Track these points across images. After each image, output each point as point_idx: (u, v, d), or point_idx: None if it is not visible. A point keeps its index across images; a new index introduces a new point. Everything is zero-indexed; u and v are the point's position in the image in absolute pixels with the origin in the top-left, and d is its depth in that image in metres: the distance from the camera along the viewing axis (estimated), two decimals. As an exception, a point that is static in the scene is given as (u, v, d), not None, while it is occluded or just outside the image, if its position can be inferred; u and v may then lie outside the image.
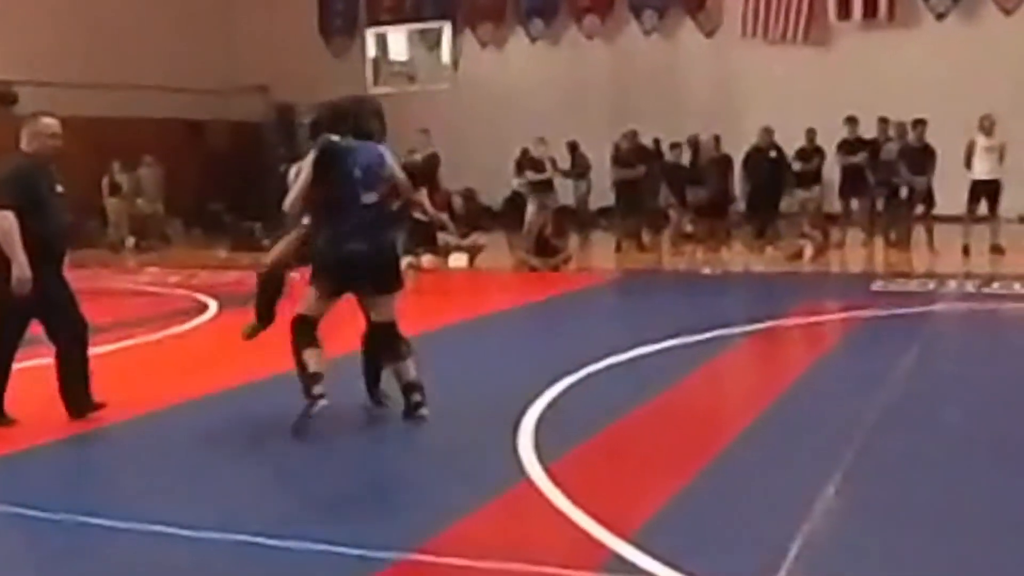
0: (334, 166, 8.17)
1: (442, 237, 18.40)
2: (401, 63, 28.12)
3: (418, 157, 20.73)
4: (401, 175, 8.55)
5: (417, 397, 8.31)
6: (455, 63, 27.83)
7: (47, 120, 8.46)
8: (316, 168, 8.22)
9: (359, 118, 8.69)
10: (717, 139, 22.69)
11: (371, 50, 28.08)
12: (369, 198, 8.24)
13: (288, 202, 8.47)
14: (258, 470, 7.38)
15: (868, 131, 21.68)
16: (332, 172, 8.17)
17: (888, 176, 21.07)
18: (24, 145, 8.40)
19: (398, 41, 28.17)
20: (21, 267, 7.99)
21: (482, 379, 9.28)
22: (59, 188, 8.52)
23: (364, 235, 8.23)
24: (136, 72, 26.08)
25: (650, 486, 6.86)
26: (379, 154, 8.42)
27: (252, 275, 9.91)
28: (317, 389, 8.16)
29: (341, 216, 8.24)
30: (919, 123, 20.61)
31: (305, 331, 8.53)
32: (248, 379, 10.17)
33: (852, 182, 21.76)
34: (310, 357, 8.33)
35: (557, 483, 6.76)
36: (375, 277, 8.44)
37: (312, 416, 8.01)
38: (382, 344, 8.53)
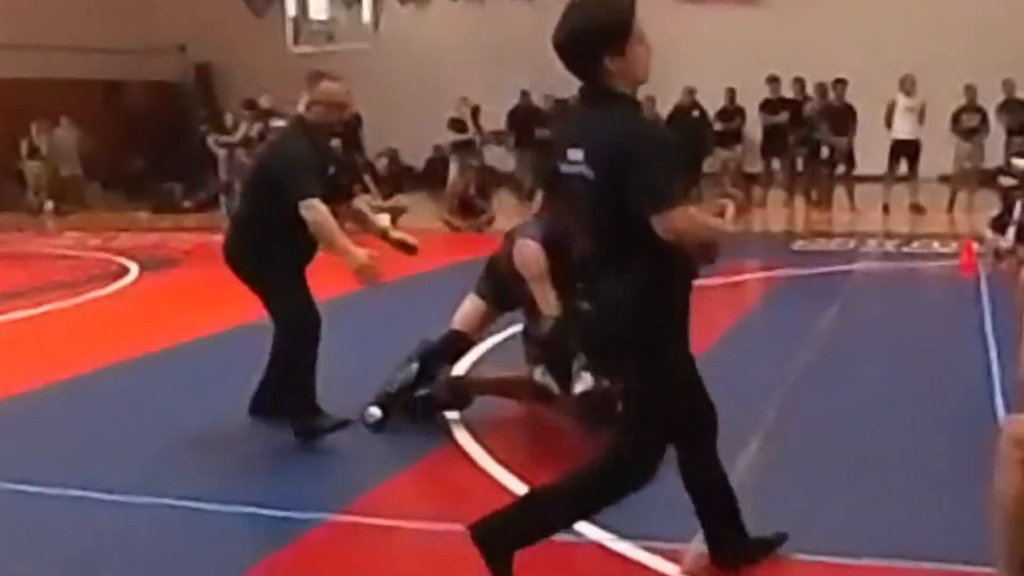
0: None
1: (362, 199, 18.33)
2: (321, 22, 27.89)
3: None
4: None
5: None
6: (376, 22, 27.63)
7: None
8: None
9: None
10: (652, 100, 22.69)
11: (291, 9, 27.82)
12: None
13: None
14: (182, 434, 7.32)
15: (791, 91, 21.81)
16: None
17: (809, 136, 21.22)
18: None
19: (318, 0, 27.96)
20: None
21: (404, 341, 9.22)
22: None
23: None
24: (52, 32, 25.68)
25: (576, 445, 6.88)
26: None
27: (173, 237, 9.67)
28: None
29: None
30: (840, 83, 20.78)
31: None
32: (171, 343, 10.09)
33: (774, 142, 21.90)
34: None
35: (482, 443, 6.78)
36: None
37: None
38: None
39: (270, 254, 7.00)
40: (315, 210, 6.74)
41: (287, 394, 7.06)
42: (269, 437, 7.13)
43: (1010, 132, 19.54)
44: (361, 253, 6.76)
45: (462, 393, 7.41)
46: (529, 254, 6.92)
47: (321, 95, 7.06)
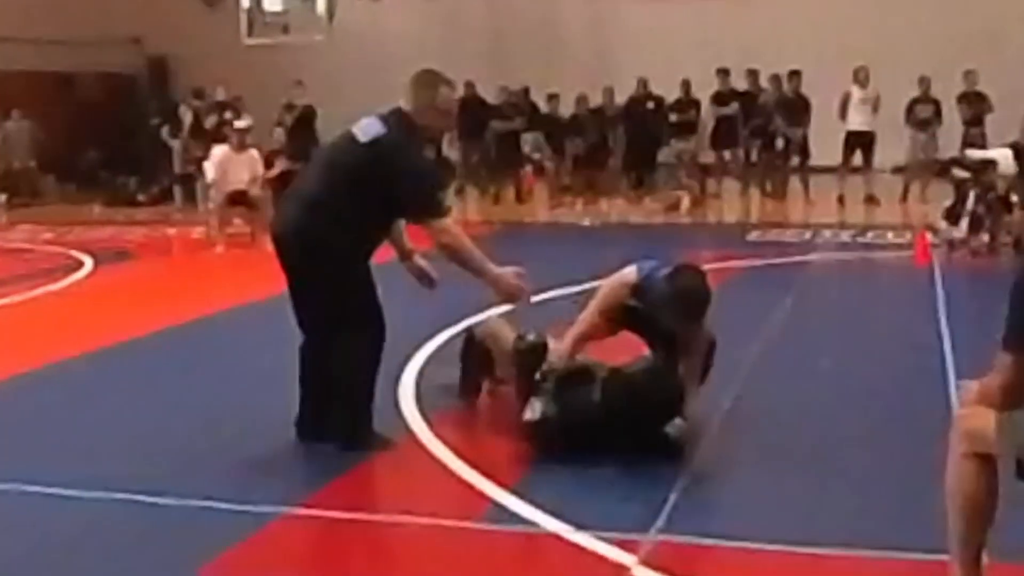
0: None
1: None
2: (275, 14, 27.66)
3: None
4: None
5: None
6: (330, 14, 27.50)
7: None
8: None
9: None
10: (610, 91, 22.73)
11: (245, 1, 27.69)
12: None
13: None
14: (138, 429, 7.28)
15: (745, 82, 21.92)
16: None
17: (763, 127, 21.31)
18: None
19: (273, -9, 27.82)
20: None
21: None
22: None
23: None
24: (4, 24, 25.39)
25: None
26: None
27: (127, 230, 9.59)
28: None
29: None
30: (794, 74, 20.88)
31: None
32: (126, 336, 10.02)
33: (725, 133, 22.00)
34: None
35: (439, 436, 6.78)
36: None
37: None
38: None
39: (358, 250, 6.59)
40: (452, 233, 6.48)
41: (352, 405, 6.68)
42: (225, 431, 7.10)
43: (967, 123, 19.65)
44: (508, 276, 6.58)
45: None
46: None
47: (442, 102, 6.73)
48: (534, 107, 23.02)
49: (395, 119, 6.57)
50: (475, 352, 7.59)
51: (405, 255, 7.09)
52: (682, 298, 6.56)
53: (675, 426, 6.40)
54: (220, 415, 7.49)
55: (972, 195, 14.03)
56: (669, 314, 6.59)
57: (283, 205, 6.96)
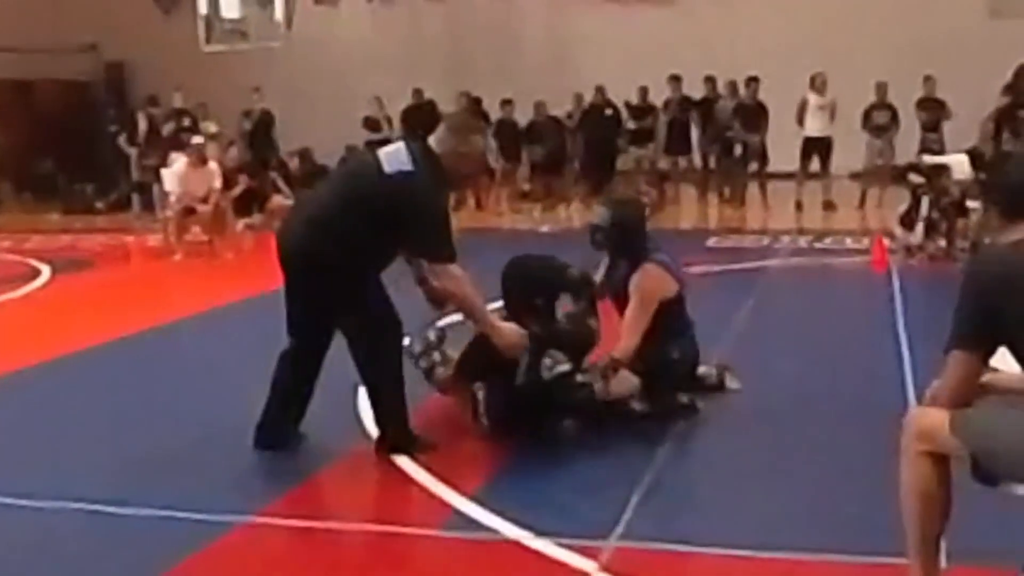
0: None
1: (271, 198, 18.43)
2: (233, 20, 27.61)
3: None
4: None
5: None
6: (289, 20, 27.45)
7: None
8: None
9: None
10: (579, 98, 22.74)
11: (203, 7, 27.56)
12: None
13: None
14: (97, 437, 7.24)
15: (700, 89, 22.00)
16: None
17: (721, 133, 21.40)
18: None
19: (230, -2, 27.75)
20: None
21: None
22: None
23: None
24: (-41, 31, 25.32)
25: (492, 445, 6.88)
26: None
27: (85, 238, 9.53)
28: None
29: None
30: (752, 80, 20.96)
31: None
32: (84, 345, 9.96)
33: (679, 140, 22.09)
34: None
35: (399, 443, 6.76)
36: None
37: None
38: None
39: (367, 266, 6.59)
40: (457, 279, 6.46)
41: (392, 411, 6.72)
42: (183, 439, 7.07)
43: (925, 128, 19.80)
44: (509, 331, 6.65)
45: None
46: None
47: (474, 151, 6.83)
48: (485, 116, 23.01)
49: (424, 156, 6.49)
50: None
51: (421, 280, 6.97)
52: None
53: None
54: (179, 423, 7.46)
55: (926, 200, 14.14)
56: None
57: (292, 223, 6.86)
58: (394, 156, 6.46)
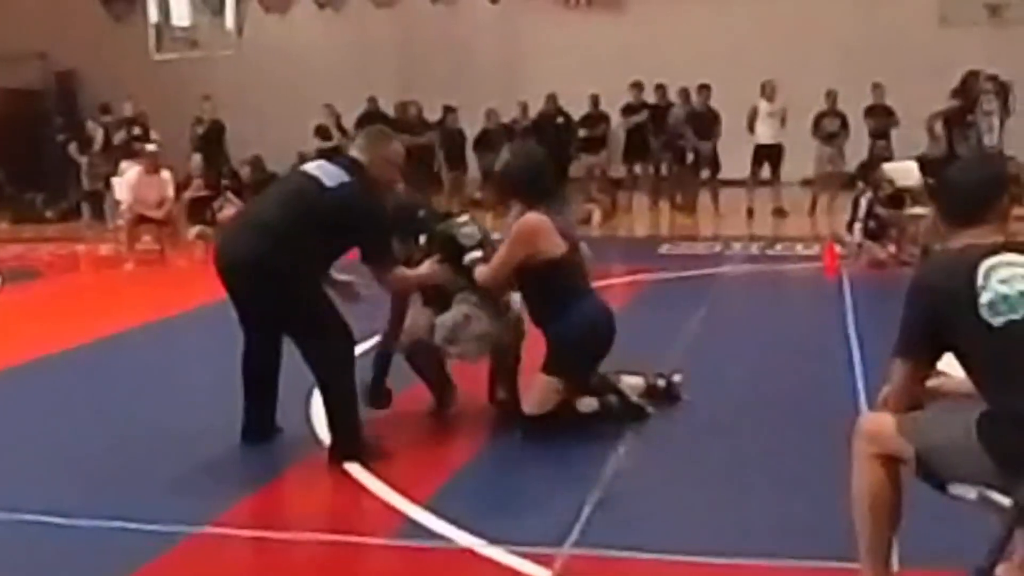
0: None
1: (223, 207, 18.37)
2: (184, 28, 27.55)
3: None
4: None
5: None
6: (239, 29, 27.38)
7: None
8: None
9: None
10: (524, 106, 22.77)
11: (153, 15, 27.44)
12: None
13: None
14: (48, 448, 7.18)
15: (651, 96, 22.08)
16: None
17: (673, 141, 21.47)
18: None
19: (181, 6, 27.56)
20: None
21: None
22: None
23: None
24: (-93, 39, 25.09)
25: (444, 452, 6.89)
26: None
27: (35, 247, 9.46)
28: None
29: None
30: (704, 88, 21.04)
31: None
32: (34, 355, 9.88)
33: (635, 147, 22.14)
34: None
35: (351, 451, 6.74)
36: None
37: None
38: None
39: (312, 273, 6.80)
40: (403, 278, 7.02)
41: (338, 418, 6.78)
42: (136, 450, 7.03)
43: (874, 136, 19.93)
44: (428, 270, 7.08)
45: None
46: None
47: (393, 155, 7.01)
48: (426, 123, 22.96)
49: (357, 169, 6.78)
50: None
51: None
52: None
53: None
54: (130, 433, 7.41)
55: (863, 201, 14.26)
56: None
57: (236, 236, 6.93)
58: (331, 171, 6.74)
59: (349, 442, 6.67)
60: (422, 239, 7.28)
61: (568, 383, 7.01)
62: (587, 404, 7.11)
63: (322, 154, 7.22)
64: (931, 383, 4.29)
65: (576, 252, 7.21)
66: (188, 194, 17.77)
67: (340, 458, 6.62)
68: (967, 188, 4.37)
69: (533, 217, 7.06)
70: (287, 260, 6.52)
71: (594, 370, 7.23)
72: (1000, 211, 4.28)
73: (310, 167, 6.91)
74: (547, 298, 7.09)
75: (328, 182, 6.65)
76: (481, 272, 7.06)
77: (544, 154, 7.65)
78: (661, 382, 7.78)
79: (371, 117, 21.83)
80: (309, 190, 6.69)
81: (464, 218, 7.53)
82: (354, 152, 6.94)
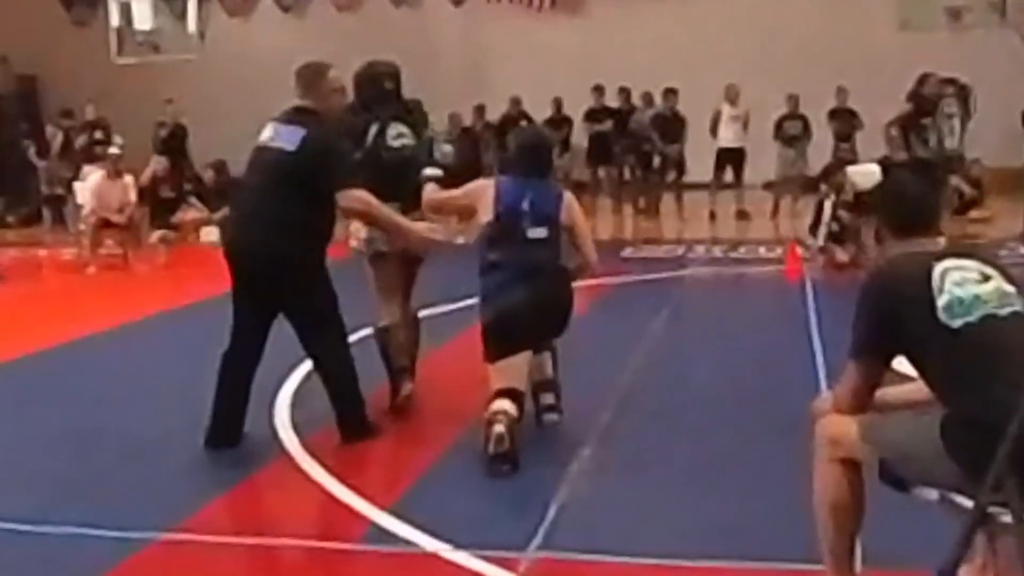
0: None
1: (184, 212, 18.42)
2: (146, 32, 27.58)
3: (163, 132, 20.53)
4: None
5: (548, 399, 7.31)
6: (202, 32, 27.34)
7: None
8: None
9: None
10: (481, 109, 22.78)
11: (115, 19, 27.45)
12: (538, 233, 7.08)
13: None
14: (11, 455, 7.14)
15: (615, 100, 22.14)
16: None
17: (638, 145, 21.53)
18: None
19: (143, 10, 27.64)
20: None
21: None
22: None
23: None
24: None
25: (408, 457, 6.90)
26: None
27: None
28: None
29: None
30: (670, 92, 21.10)
31: None
32: (-6, 361, 9.83)
33: (599, 150, 22.18)
34: None
35: (315, 457, 6.74)
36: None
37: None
38: None
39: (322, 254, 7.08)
40: (361, 198, 6.95)
41: (349, 395, 7.09)
42: (100, 456, 7.01)
43: (838, 139, 20.04)
44: (419, 228, 7.41)
45: None
46: None
47: (334, 82, 7.25)
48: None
49: (306, 116, 7.01)
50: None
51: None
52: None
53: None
54: (95, 438, 7.38)
55: (827, 205, 14.34)
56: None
57: (247, 229, 7.07)
58: (286, 134, 6.92)
59: (356, 420, 7.05)
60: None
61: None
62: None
63: (273, 117, 7.13)
64: (877, 392, 4.33)
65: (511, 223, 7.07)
66: (148, 172, 17.77)
67: (348, 438, 6.98)
68: (916, 198, 4.48)
69: (482, 181, 7.55)
70: (301, 246, 6.85)
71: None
72: (940, 217, 4.38)
73: (265, 138, 7.04)
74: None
75: (289, 146, 6.84)
76: (428, 193, 7.48)
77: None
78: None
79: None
80: (279, 161, 6.86)
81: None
82: (298, 101, 7.12)
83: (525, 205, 7.04)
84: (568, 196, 7.33)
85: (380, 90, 7.90)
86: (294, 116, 7.04)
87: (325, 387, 7.15)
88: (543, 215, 7.04)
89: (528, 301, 6.85)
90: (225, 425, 7.05)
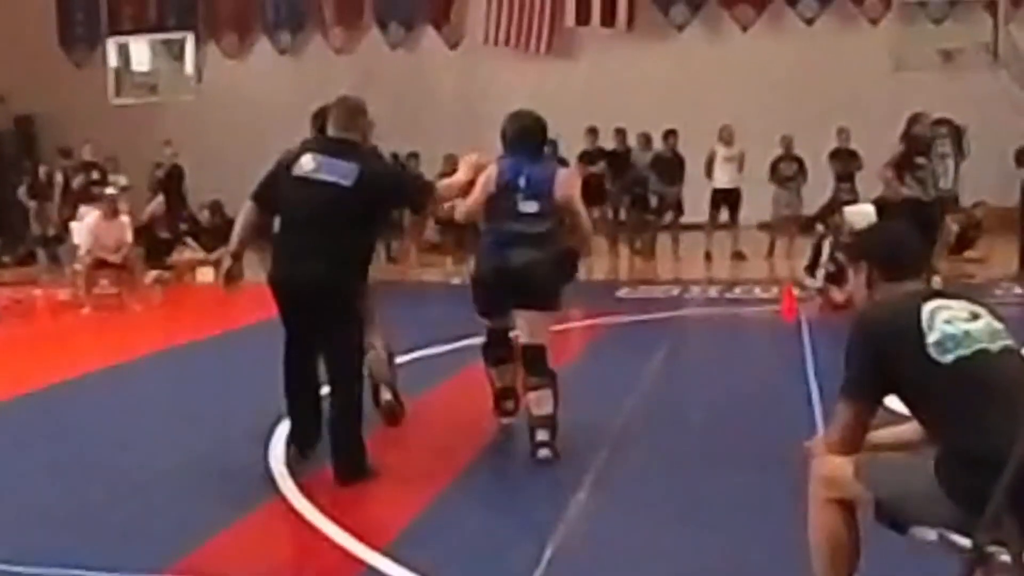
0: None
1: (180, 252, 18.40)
2: (144, 73, 27.71)
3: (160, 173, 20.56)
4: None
5: (543, 435, 7.50)
6: (199, 74, 27.43)
7: None
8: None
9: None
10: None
11: (113, 60, 27.57)
12: (529, 207, 7.75)
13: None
14: (4, 495, 7.11)
15: (612, 141, 22.18)
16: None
17: (634, 185, 21.55)
18: None
19: (141, 51, 27.78)
20: None
21: (231, 395, 9.16)
22: None
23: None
24: None
25: (403, 498, 6.85)
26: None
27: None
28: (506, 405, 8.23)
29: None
30: (670, 134, 21.14)
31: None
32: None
33: (594, 192, 22.18)
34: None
35: (310, 498, 6.71)
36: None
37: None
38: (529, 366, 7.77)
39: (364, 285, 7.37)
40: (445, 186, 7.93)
41: (353, 430, 7.14)
42: (96, 496, 6.98)
43: (839, 179, 20.05)
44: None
45: None
46: None
47: (371, 122, 7.78)
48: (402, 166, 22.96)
49: (353, 149, 7.22)
50: None
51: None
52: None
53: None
54: (88, 479, 7.35)
55: (826, 245, 14.35)
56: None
57: (298, 262, 7.12)
58: (341, 169, 7.04)
59: (358, 461, 7.09)
60: None
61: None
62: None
63: (307, 146, 7.30)
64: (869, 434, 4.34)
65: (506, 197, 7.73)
66: (148, 211, 17.83)
67: (346, 478, 7.00)
68: (904, 243, 4.56)
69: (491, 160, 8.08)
70: (353, 278, 7.14)
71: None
72: (928, 260, 4.46)
73: (308, 169, 7.11)
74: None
75: (345, 181, 6.99)
76: (440, 186, 8.17)
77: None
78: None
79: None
80: (334, 197, 7.00)
81: None
82: (341, 134, 7.28)
83: (521, 182, 7.72)
84: (564, 171, 8.47)
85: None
86: (339, 148, 7.17)
87: (330, 415, 7.18)
88: (537, 191, 7.70)
89: (506, 264, 7.65)
90: (304, 427, 7.36)
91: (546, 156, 8.63)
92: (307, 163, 7.10)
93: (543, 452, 7.43)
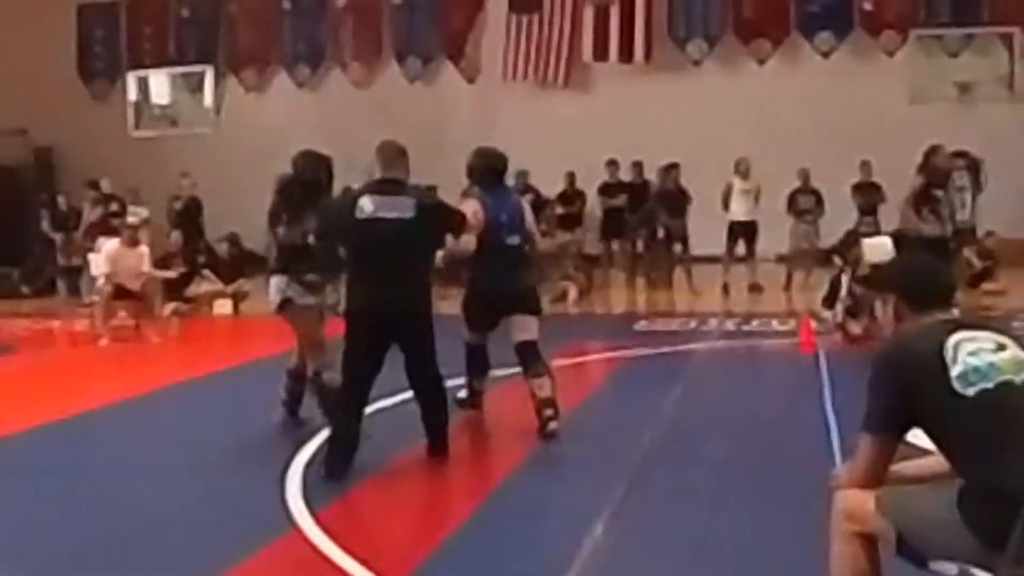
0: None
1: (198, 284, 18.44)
2: (163, 106, 27.83)
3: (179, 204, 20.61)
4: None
5: (549, 412, 8.91)
6: (218, 107, 27.53)
7: None
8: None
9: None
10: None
11: (132, 93, 27.71)
12: (513, 240, 9.33)
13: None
14: (18, 525, 7.10)
15: (629, 174, 22.20)
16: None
17: (649, 218, 21.57)
18: None
19: (160, 84, 27.92)
20: None
21: (248, 427, 9.15)
22: None
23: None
24: None
25: (421, 530, 6.85)
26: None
27: (10, 323, 9.42)
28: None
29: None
30: (673, 167, 21.16)
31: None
32: (6, 431, 9.78)
33: (613, 224, 22.21)
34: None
35: (326, 530, 6.68)
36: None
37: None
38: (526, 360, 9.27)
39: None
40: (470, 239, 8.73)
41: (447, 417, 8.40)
42: (109, 525, 6.97)
43: (862, 211, 20.00)
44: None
45: None
46: None
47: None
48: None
49: (401, 186, 8.25)
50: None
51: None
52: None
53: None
54: (102, 513, 7.34)
55: (844, 279, 14.32)
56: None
57: (381, 292, 7.97)
58: (401, 205, 8.04)
59: (445, 437, 8.31)
60: None
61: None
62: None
63: (362, 191, 8.35)
64: (891, 467, 4.32)
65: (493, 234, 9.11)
66: (168, 274, 17.85)
67: (439, 451, 8.22)
68: (933, 274, 4.55)
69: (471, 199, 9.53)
70: (428, 297, 8.25)
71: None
72: (955, 291, 4.45)
73: (369, 211, 8.01)
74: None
75: (407, 214, 7.99)
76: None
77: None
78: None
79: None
80: (402, 229, 7.95)
81: None
82: (391, 174, 8.30)
83: (503, 218, 9.22)
84: (523, 202, 10.14)
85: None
86: (391, 188, 8.16)
87: (424, 410, 8.26)
88: (515, 225, 9.34)
89: (503, 288, 9.31)
90: (349, 449, 7.84)
91: (508, 187, 10.30)
92: (367, 207, 7.98)
93: (552, 425, 8.84)
